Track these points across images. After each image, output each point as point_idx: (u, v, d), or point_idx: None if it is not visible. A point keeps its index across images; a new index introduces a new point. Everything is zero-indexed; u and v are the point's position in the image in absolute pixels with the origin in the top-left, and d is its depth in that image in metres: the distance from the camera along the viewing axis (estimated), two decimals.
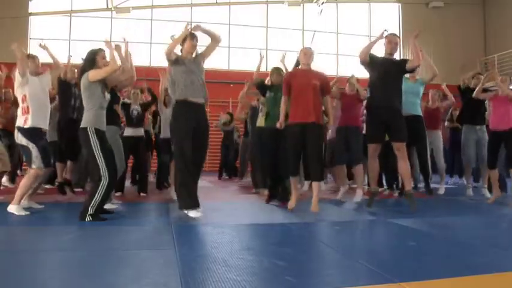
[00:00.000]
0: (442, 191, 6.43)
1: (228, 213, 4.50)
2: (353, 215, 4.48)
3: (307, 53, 4.59)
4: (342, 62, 15.36)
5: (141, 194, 5.87)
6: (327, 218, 4.26)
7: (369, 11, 15.82)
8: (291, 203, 4.41)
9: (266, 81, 5.49)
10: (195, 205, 3.89)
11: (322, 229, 3.88)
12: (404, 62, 4.67)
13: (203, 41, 4.28)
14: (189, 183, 3.91)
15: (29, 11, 13.36)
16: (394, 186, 6.32)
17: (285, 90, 4.58)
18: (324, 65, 14.88)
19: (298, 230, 3.78)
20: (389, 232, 3.80)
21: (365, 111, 5.25)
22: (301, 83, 4.47)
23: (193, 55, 4.21)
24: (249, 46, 14.78)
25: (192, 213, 3.86)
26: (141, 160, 6.17)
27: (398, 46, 4.76)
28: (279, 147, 4.87)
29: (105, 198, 3.93)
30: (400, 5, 15.87)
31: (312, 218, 4.28)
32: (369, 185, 5.57)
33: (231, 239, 3.18)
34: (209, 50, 4.26)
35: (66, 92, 5.55)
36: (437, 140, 6.38)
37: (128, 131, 5.84)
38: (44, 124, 4.39)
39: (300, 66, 4.71)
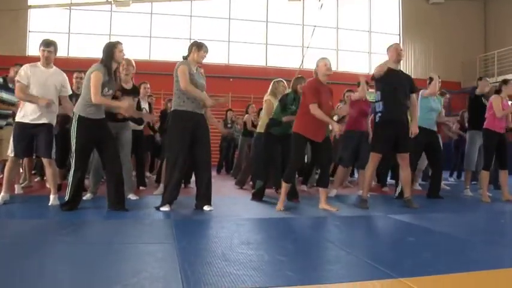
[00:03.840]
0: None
1: (227, 208, 4.50)
2: (353, 211, 4.49)
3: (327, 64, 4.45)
4: (342, 57, 15.31)
5: (140, 188, 5.88)
6: (327, 213, 4.27)
7: (369, 6, 15.76)
8: (279, 206, 4.42)
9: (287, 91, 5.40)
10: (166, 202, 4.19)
11: (322, 224, 3.88)
12: (413, 81, 4.82)
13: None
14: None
15: (29, 4, 13.25)
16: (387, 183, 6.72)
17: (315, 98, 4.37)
18: None
19: (298, 225, 3.79)
20: (389, 227, 3.82)
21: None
22: (326, 99, 4.43)
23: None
24: (248, 41, 14.75)
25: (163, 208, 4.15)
26: (139, 154, 6.13)
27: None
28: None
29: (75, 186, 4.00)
30: (400, 0, 15.80)
31: (312, 214, 4.29)
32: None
33: (231, 233, 3.18)
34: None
35: None
36: None
37: None
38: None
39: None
